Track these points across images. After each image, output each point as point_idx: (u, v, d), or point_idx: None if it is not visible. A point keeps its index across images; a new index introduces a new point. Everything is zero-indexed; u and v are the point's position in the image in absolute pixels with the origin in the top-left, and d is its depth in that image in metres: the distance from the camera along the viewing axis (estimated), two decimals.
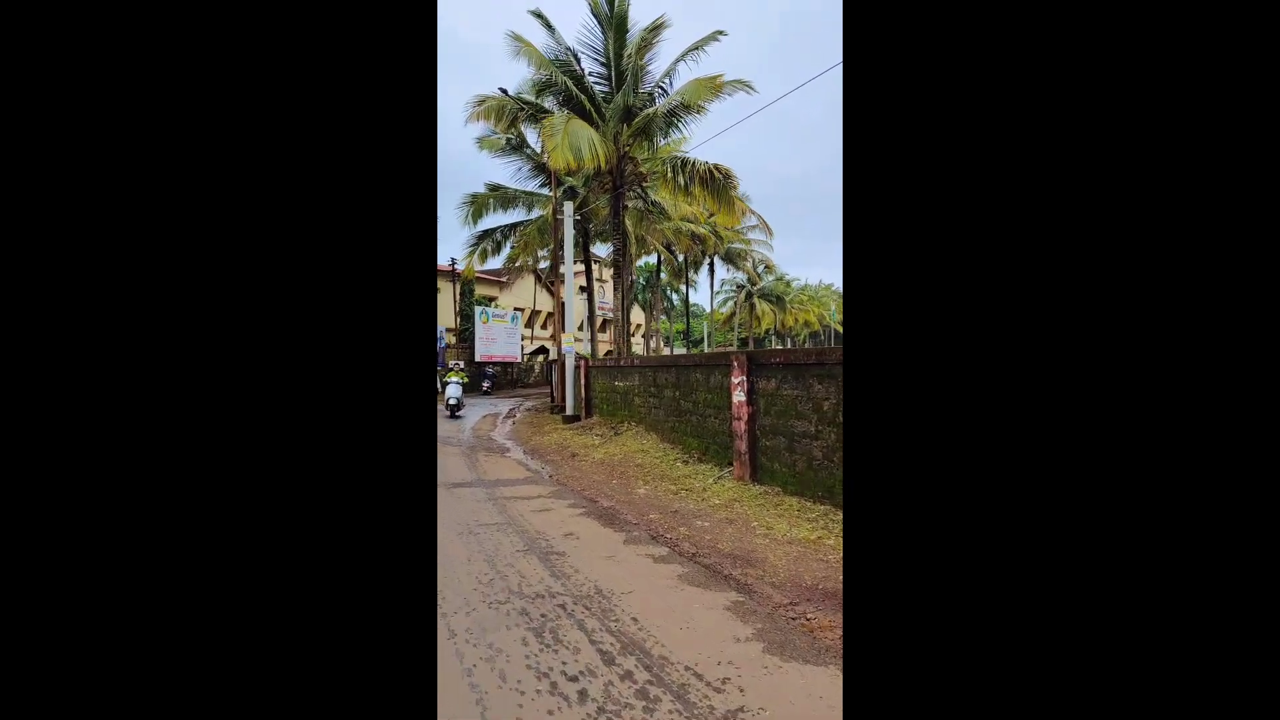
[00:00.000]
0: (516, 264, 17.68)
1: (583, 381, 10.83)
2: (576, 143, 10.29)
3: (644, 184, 13.37)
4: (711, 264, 34.01)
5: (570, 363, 11.12)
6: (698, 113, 11.49)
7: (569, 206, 11.24)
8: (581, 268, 24.47)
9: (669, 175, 12.19)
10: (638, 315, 37.95)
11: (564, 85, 11.55)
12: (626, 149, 12.44)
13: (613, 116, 11.94)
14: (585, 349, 18.10)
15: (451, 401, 13.12)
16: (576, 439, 8.98)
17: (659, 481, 6.19)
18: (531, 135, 15.71)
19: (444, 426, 11.50)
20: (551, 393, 16.25)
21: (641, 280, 34.65)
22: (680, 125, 11.69)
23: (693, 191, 11.95)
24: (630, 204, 14.51)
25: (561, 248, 12.85)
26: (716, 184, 11.39)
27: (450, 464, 7.42)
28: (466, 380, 14.01)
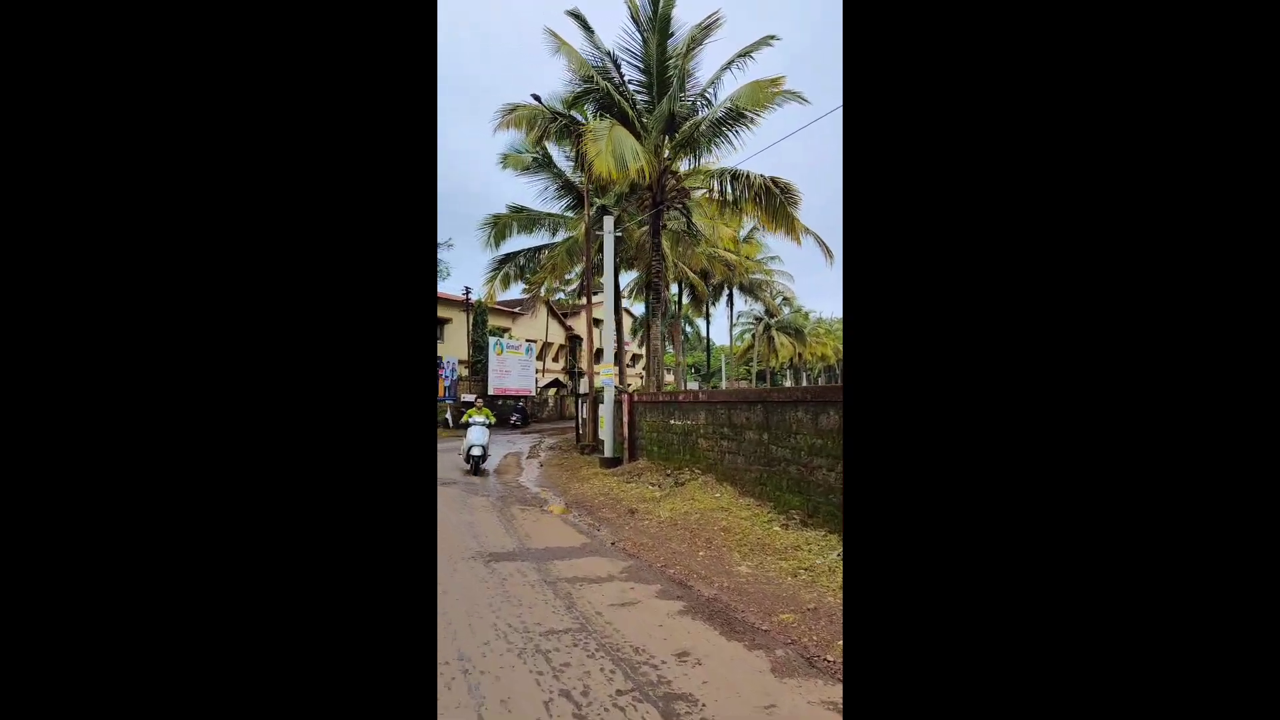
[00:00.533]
0: (542, 289, 16.48)
1: (625, 419, 9.42)
2: (620, 150, 9.18)
3: (686, 200, 12.22)
4: (731, 295, 32.97)
5: (610, 396, 9.73)
6: (750, 124, 10.40)
7: (609, 221, 10.05)
8: (600, 297, 23.38)
9: (716, 189, 11.06)
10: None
11: (605, 90, 10.51)
12: (668, 163, 11.35)
13: (654, 126, 10.87)
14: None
15: (475, 452, 9.37)
16: (627, 489, 7.54)
17: (760, 554, 4.75)
18: (558, 155, 14.76)
19: (463, 472, 10.08)
20: (578, 429, 14.81)
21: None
22: (731, 135, 10.58)
23: (744, 208, 10.78)
24: (669, 224, 13.36)
25: (597, 270, 11.62)
26: (773, 200, 10.21)
27: (482, 523, 5.99)
28: (493, 421, 10.17)
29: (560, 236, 15.35)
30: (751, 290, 32.03)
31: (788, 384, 50.54)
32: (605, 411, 10.00)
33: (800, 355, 43.24)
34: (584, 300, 28.22)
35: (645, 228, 14.26)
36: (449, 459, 11.65)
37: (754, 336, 41.57)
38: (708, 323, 33.68)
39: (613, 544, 5.21)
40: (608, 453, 9.71)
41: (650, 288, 11.67)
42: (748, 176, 10.32)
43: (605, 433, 9.99)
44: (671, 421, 8.10)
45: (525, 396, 26.98)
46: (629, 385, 29.31)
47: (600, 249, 14.10)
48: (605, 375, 9.89)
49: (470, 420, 9.80)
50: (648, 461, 8.75)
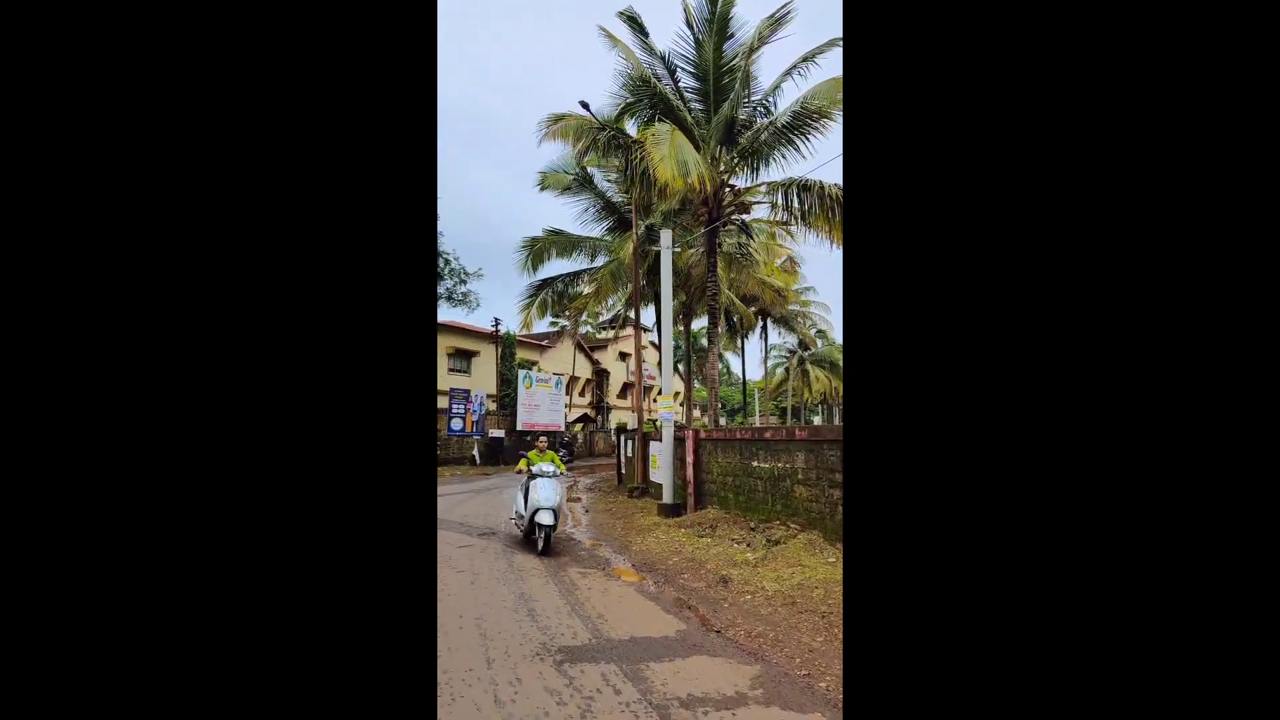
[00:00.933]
0: (584, 315, 15.47)
1: (689, 459, 8.14)
2: (683, 157, 8.19)
3: (745, 213, 11.16)
4: (765, 326, 31.80)
5: (668, 434, 8.48)
6: (824, 128, 9.37)
7: (667, 235, 8.98)
8: (631, 328, 22.21)
9: (780, 203, 9.98)
10: (675, 383, 35.25)
11: (662, 95, 9.61)
12: (725, 176, 10.35)
13: (712, 135, 9.92)
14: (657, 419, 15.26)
15: (544, 520, 5.91)
16: (703, 546, 6.22)
17: None
18: (599, 178, 13.96)
19: (496, 517, 8.84)
20: (619, 468, 13.53)
21: (682, 344, 32.23)
22: (800, 141, 9.54)
23: (813, 223, 9.66)
24: (722, 244, 12.30)
25: (652, 300, 10.48)
26: None
27: (538, 594, 4.72)
28: (563, 470, 6.65)
29: (599, 261, 14.44)
30: (786, 322, 30.85)
31: (817, 421, 48.49)
32: (660, 450, 8.75)
33: (837, 390, 41.59)
34: (612, 333, 27.22)
35: (692, 249, 13.25)
36: (482, 505, 10.44)
37: (788, 370, 40.12)
38: (742, 355, 32.44)
39: (718, 632, 3.90)
40: (667, 498, 8.41)
41: (708, 312, 10.51)
42: (820, 187, 9.22)
43: (661, 475, 8.71)
44: (754, 464, 6.80)
45: (554, 432, 25.83)
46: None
47: (649, 269, 13.07)
48: (663, 409, 8.66)
49: (534, 468, 6.19)
50: (719, 511, 7.42)
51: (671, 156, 7.96)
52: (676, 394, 23.19)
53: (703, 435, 8.13)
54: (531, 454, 6.62)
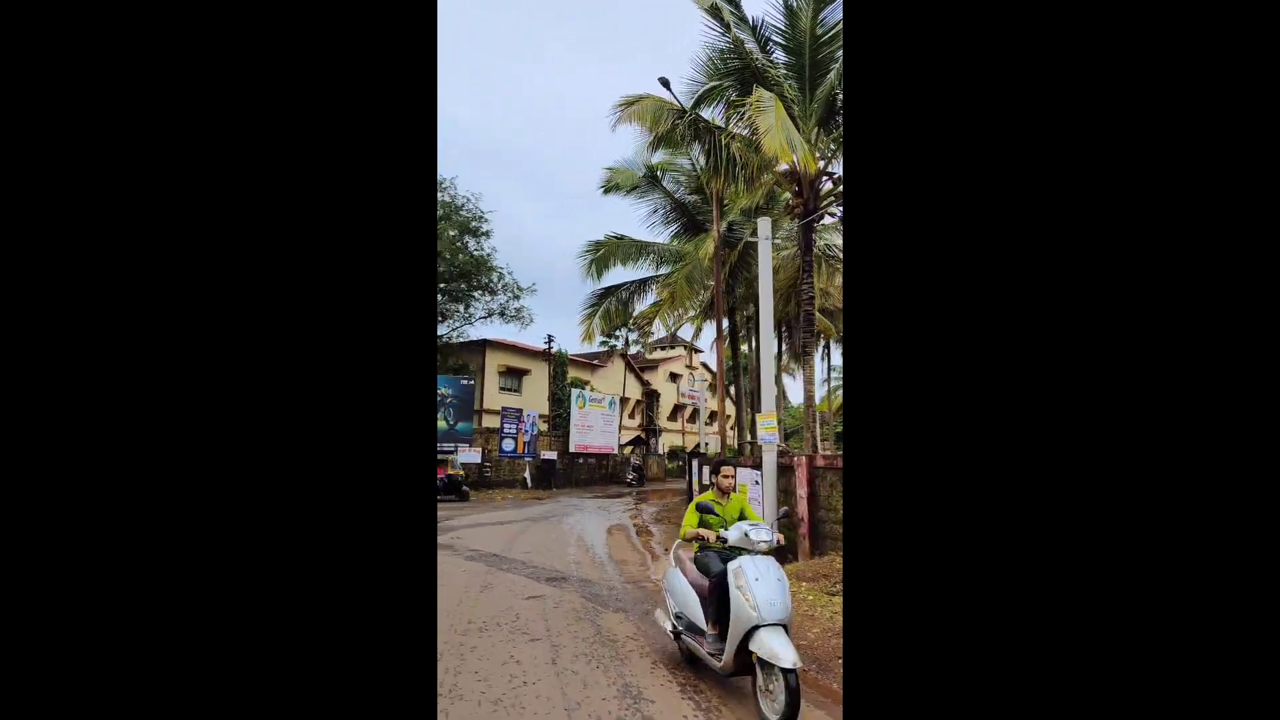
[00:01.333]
0: (653, 324, 14.26)
1: (802, 492, 6.63)
2: (789, 133, 6.90)
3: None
4: (828, 346, 29.96)
5: (770, 460, 7.01)
6: None
7: (765, 224, 7.61)
8: (675, 351, 20.77)
9: None
10: (727, 406, 33.49)
11: (760, 67, 8.35)
12: (826, 161, 8.98)
13: (811, 114, 8.61)
14: (710, 445, 13.65)
15: (780, 653, 2.48)
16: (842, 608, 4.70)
17: None
18: (665, 180, 12.84)
19: (563, 555, 7.51)
20: (689, 496, 12.07)
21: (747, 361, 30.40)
22: None
23: None
24: (820, 240, 10.86)
25: (750, 303, 9.09)
26: None
27: (649, 689, 3.31)
28: (781, 540, 3.14)
29: (664, 270, 13.25)
30: None
31: None
32: (757, 478, 7.27)
33: None
34: (666, 353, 25.75)
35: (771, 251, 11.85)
36: (542, 537, 9.15)
37: None
38: (825, 368, 30.53)
39: None
40: None
41: (802, 318, 9.05)
42: None
43: (761, 509, 7.21)
44: None
45: (607, 455, 24.55)
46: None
47: (730, 273, 11.74)
48: (764, 429, 7.20)
49: (727, 534, 3.11)
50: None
51: (779, 127, 6.67)
52: (728, 417, 21.62)
53: (820, 462, 6.62)
54: (708, 498, 3.30)
